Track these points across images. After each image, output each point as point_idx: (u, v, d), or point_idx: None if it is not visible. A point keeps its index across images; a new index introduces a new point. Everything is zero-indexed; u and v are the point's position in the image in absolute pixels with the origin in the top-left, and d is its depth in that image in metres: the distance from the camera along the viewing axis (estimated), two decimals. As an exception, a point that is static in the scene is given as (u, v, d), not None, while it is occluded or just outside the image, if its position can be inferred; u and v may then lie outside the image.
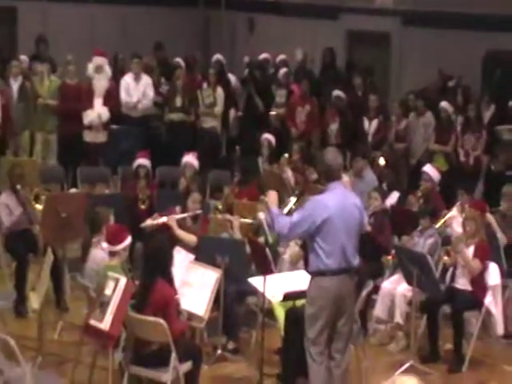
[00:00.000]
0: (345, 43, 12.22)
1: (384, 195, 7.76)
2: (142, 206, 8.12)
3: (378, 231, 7.17)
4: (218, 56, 11.60)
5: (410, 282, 6.41)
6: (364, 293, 6.46)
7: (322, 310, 5.23)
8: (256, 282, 6.20)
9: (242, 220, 7.14)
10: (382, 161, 9.16)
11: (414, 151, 9.87)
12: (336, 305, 5.24)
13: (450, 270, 6.74)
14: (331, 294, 5.22)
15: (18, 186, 7.48)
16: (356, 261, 5.34)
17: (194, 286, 6.04)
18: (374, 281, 6.79)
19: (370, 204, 7.27)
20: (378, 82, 11.01)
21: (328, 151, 5.46)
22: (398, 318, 6.68)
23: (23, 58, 10.99)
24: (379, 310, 6.78)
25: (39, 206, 7.35)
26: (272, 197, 5.50)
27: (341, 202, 5.26)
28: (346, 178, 7.26)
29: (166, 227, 6.96)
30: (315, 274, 5.25)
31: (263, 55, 11.74)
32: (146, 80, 10.46)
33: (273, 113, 10.77)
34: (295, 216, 5.27)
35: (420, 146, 9.81)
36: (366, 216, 5.74)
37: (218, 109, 10.66)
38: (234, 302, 6.53)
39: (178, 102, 10.47)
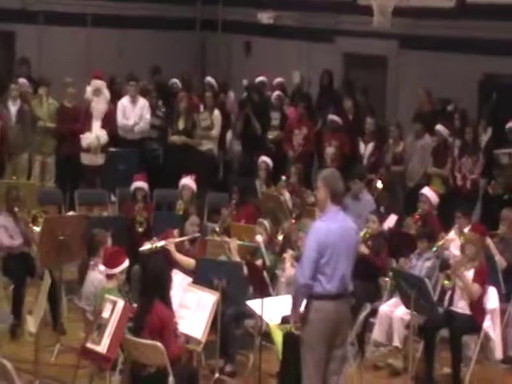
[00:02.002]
0: (341, 66, 12.29)
1: (381, 218, 7.78)
2: (140, 229, 8.13)
3: (375, 254, 7.18)
4: (208, 79, 11.66)
5: (407, 306, 6.40)
6: (361, 316, 6.45)
7: (319, 334, 5.22)
8: (254, 304, 6.20)
9: (240, 242, 7.15)
10: (379, 183, 9.19)
11: (411, 174, 9.89)
12: (333, 328, 5.24)
13: (449, 293, 6.73)
14: (329, 318, 5.22)
15: (16, 209, 7.49)
16: (350, 285, 5.36)
17: (192, 308, 6.04)
18: (371, 304, 6.78)
19: (367, 227, 7.29)
20: (375, 105, 11.06)
21: (334, 176, 5.44)
22: (396, 342, 6.66)
23: (22, 81, 11.03)
24: (377, 333, 6.77)
25: (37, 229, 7.35)
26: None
27: (342, 226, 5.28)
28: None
29: (164, 250, 6.96)
30: (313, 298, 5.25)
31: (260, 78, 11.82)
32: (142, 103, 10.51)
33: (270, 136, 10.82)
34: (303, 255, 5.27)
35: (418, 168, 9.85)
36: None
37: (215, 132, 10.71)
38: (231, 324, 6.53)
39: (181, 124, 10.52)
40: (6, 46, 12.93)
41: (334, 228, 5.23)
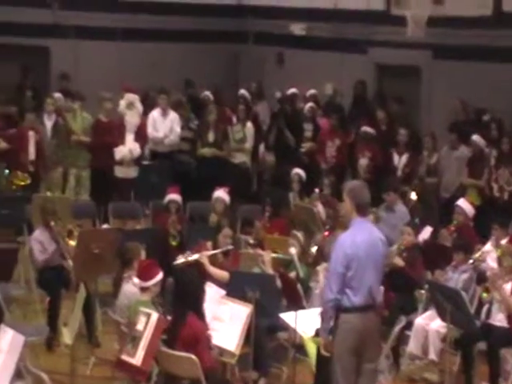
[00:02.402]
0: (374, 76, 12.23)
1: (416, 230, 7.70)
2: (173, 242, 8.14)
3: (410, 266, 7.10)
4: (242, 91, 11.69)
5: (443, 318, 6.32)
6: (396, 328, 6.37)
7: (348, 347, 5.19)
8: (287, 317, 6.18)
9: (273, 255, 7.12)
10: (413, 195, 9.11)
11: (447, 185, 9.78)
12: (361, 341, 5.20)
13: (486, 306, 6.64)
14: (357, 331, 5.19)
15: (52, 223, 7.56)
16: (380, 296, 5.31)
17: (225, 321, 6.03)
18: (406, 316, 6.70)
19: (402, 239, 7.23)
20: (408, 116, 10.98)
21: (360, 187, 5.43)
22: (432, 355, 6.58)
23: (57, 95, 11.17)
24: (412, 346, 6.69)
25: (72, 242, 7.41)
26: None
27: (368, 238, 5.25)
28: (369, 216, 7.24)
29: (197, 263, 6.96)
30: (341, 311, 5.22)
31: (292, 90, 11.82)
32: (173, 116, 10.56)
33: (302, 149, 10.79)
34: (330, 270, 5.24)
35: (453, 179, 9.73)
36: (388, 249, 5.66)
37: (248, 144, 10.72)
38: (264, 337, 6.50)
39: (211, 137, 10.55)
40: (41, 60, 13.12)
41: (360, 240, 5.20)
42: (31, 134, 9.93)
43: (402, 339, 6.74)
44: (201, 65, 13.42)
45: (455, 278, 6.85)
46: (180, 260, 7.10)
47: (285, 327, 6.39)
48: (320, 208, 8.87)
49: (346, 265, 5.15)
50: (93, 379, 6.51)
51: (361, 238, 5.21)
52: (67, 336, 6.03)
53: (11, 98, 11.51)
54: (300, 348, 6.04)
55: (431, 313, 6.70)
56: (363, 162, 10.15)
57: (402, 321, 6.45)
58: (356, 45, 11.99)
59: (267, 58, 13.62)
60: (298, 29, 12.83)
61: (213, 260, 7.07)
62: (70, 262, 7.34)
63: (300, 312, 5.93)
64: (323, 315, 5.28)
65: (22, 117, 10.35)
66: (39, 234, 7.56)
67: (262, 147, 11.15)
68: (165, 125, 10.49)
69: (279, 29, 13.15)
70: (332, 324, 5.23)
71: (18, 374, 5.02)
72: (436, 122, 11.14)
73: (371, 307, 5.21)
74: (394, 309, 6.44)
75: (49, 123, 10.38)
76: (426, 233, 8.07)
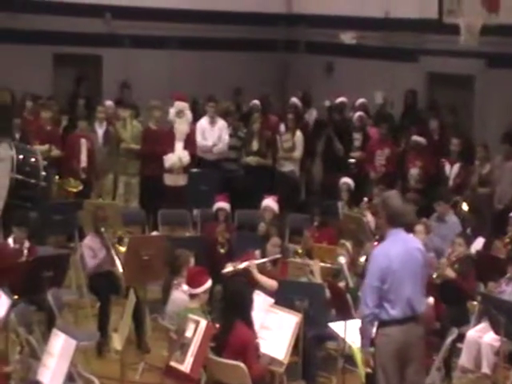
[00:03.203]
0: (425, 86, 12.11)
1: (468, 241, 7.57)
2: (222, 250, 8.16)
3: (462, 277, 6.98)
4: (293, 100, 11.68)
5: (497, 332, 6.20)
6: (448, 340, 6.26)
7: (389, 359, 5.14)
8: (336, 326, 6.12)
9: (322, 264, 7.08)
10: (464, 206, 8.97)
11: (500, 196, 9.59)
12: (404, 353, 5.14)
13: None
14: (397, 343, 5.13)
15: (102, 229, 7.65)
16: (422, 306, 5.21)
17: (274, 329, 6.00)
18: (458, 328, 6.58)
19: (454, 250, 7.11)
20: (461, 125, 10.83)
21: (393, 197, 5.37)
22: (485, 369, 6.45)
23: (108, 103, 11.33)
24: (464, 359, 6.56)
25: (122, 249, 7.49)
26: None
27: (403, 249, 5.17)
28: (419, 227, 7.16)
29: (246, 271, 6.96)
30: (381, 324, 5.17)
31: (341, 98, 11.76)
32: (221, 124, 10.59)
33: (352, 160, 10.72)
34: (365, 284, 5.20)
35: (507, 191, 9.54)
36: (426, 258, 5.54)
37: (297, 153, 10.69)
38: (313, 346, 6.46)
39: (255, 145, 10.56)
40: (94, 69, 13.33)
41: (394, 252, 5.14)
42: (83, 141, 10.08)
43: (454, 352, 6.62)
44: (250, 73, 13.46)
45: (509, 290, 6.70)
46: (228, 268, 7.11)
47: (333, 337, 6.34)
48: (369, 217, 8.79)
49: (380, 278, 5.10)
50: (142, 385, 6.57)
51: (394, 249, 5.15)
52: (117, 341, 6.08)
53: (65, 106, 11.71)
54: (349, 358, 5.97)
55: (484, 325, 6.57)
56: (414, 171, 10.04)
57: (454, 333, 6.34)
58: (407, 53, 11.88)
59: (317, 66, 13.59)
60: (348, 38, 12.77)
61: (261, 269, 7.06)
62: (120, 269, 7.41)
63: (349, 322, 5.87)
64: (362, 332, 5.23)
65: (74, 125, 10.51)
66: (90, 240, 7.65)
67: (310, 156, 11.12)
68: (213, 133, 10.54)
69: (329, 38, 13.11)
70: (370, 339, 5.19)
71: (70, 377, 5.07)
72: (489, 132, 10.96)
73: (411, 319, 5.13)
74: (445, 321, 6.33)
75: (100, 131, 10.52)
76: (479, 244, 7.93)
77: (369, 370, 5.23)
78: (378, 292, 5.11)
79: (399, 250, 5.15)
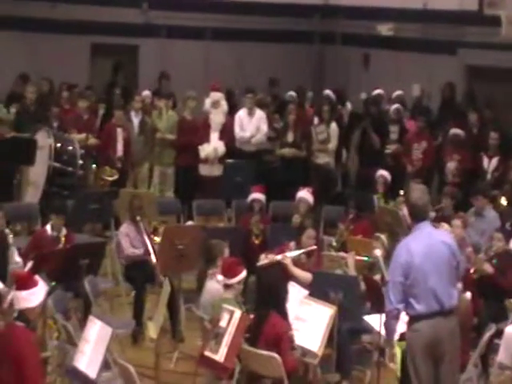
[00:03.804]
0: (464, 78, 11.96)
1: (507, 236, 7.46)
2: (256, 241, 8.16)
3: (500, 273, 6.89)
4: (327, 92, 11.61)
5: (536, 328, 6.10)
6: (485, 336, 6.18)
7: (419, 354, 5.10)
8: (371, 320, 6.08)
9: (357, 257, 7.04)
10: (503, 200, 8.85)
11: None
12: (433, 348, 5.08)
13: None
14: (426, 338, 5.07)
15: (138, 218, 7.70)
16: (451, 300, 5.13)
17: (308, 321, 5.98)
18: (496, 324, 6.50)
19: (492, 245, 7.02)
20: (500, 119, 10.67)
21: (413, 189, 5.31)
22: (523, 366, 6.35)
23: (145, 93, 11.38)
24: (502, 356, 6.45)
25: (157, 238, 7.52)
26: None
27: (426, 243, 5.11)
28: (445, 225, 7.08)
29: (280, 263, 6.95)
30: (409, 319, 5.15)
31: (377, 91, 11.67)
32: (259, 115, 10.59)
33: (388, 151, 10.65)
34: (388, 280, 5.17)
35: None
36: (458, 252, 5.43)
37: (332, 145, 10.64)
38: (347, 339, 6.43)
39: (290, 137, 10.54)
40: (130, 59, 13.41)
41: (416, 247, 5.08)
42: (119, 130, 10.14)
43: (492, 348, 6.54)
44: (286, 65, 13.42)
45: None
46: (263, 260, 7.10)
47: (368, 330, 6.30)
48: (405, 211, 8.69)
49: (402, 273, 5.06)
50: (176, 374, 6.58)
51: (416, 244, 5.10)
52: (152, 330, 6.11)
53: (101, 96, 11.80)
54: (384, 352, 5.93)
55: (523, 322, 6.48)
56: (451, 165, 9.93)
57: (492, 329, 6.26)
58: (445, 46, 11.73)
59: (353, 58, 13.50)
60: (385, 29, 12.66)
61: (296, 261, 7.04)
62: (155, 258, 7.44)
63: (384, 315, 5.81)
64: (386, 327, 5.21)
65: (110, 114, 10.59)
66: (126, 228, 7.70)
67: (345, 148, 11.06)
68: (251, 124, 10.54)
69: (366, 29, 13.01)
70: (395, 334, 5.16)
71: (106, 364, 5.12)
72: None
73: (440, 313, 5.08)
74: (483, 316, 6.25)
75: (136, 120, 10.57)
76: (518, 239, 7.81)
77: (392, 366, 5.18)
78: (401, 287, 5.08)
79: (421, 244, 5.09)
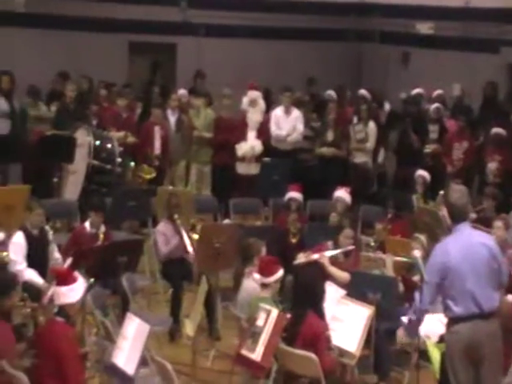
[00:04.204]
0: (506, 77, 11.77)
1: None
2: (293, 240, 8.12)
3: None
4: (362, 91, 11.52)
5: None
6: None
7: (457, 357, 5.04)
8: (410, 321, 6.00)
9: (396, 258, 6.97)
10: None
11: None
12: (472, 351, 5.01)
13: None
14: (464, 341, 5.02)
15: (175, 216, 7.71)
16: (491, 303, 5.05)
17: (345, 321, 5.95)
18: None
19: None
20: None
21: (453, 190, 5.25)
22: None
23: (182, 91, 11.41)
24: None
25: (195, 236, 7.53)
26: None
27: (464, 245, 5.05)
28: (498, 222, 6.96)
29: (318, 262, 6.91)
30: (448, 321, 5.10)
31: (417, 90, 11.56)
32: (296, 114, 10.55)
33: (427, 150, 10.54)
34: (424, 280, 5.11)
35: None
36: (499, 254, 5.31)
37: (370, 144, 10.57)
38: (385, 340, 6.37)
39: (330, 136, 10.49)
40: (168, 57, 13.47)
41: (453, 248, 5.02)
42: (157, 128, 10.18)
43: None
44: (323, 63, 13.37)
45: None
46: (300, 259, 7.07)
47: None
48: (445, 212, 8.58)
49: (438, 274, 5.01)
50: (213, 372, 6.58)
51: (454, 245, 5.04)
52: (189, 327, 6.12)
53: (140, 94, 11.87)
54: (423, 354, 5.86)
55: None
56: (492, 165, 9.79)
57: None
58: (487, 44, 11.57)
59: (392, 57, 13.39)
60: (425, 28, 12.53)
61: (333, 260, 7.00)
62: (192, 255, 7.45)
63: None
64: (410, 325, 5.18)
65: (148, 112, 10.64)
66: (163, 226, 7.72)
67: (383, 147, 10.97)
68: (288, 123, 10.51)
69: (405, 28, 12.89)
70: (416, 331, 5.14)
71: (143, 361, 5.13)
72: None
73: (479, 316, 5.01)
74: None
75: (172, 119, 10.60)
76: None
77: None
78: (436, 288, 5.05)
79: (460, 246, 5.04)
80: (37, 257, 6.88)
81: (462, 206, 5.13)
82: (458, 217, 5.12)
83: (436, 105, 10.91)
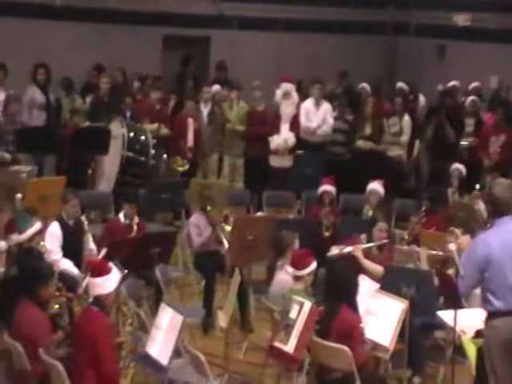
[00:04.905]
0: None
1: None
2: (326, 233, 8.09)
3: None
4: (400, 84, 11.42)
5: None
6: None
7: (496, 352, 4.99)
8: (445, 315, 5.94)
9: (430, 252, 6.89)
10: None
11: None
12: (510, 347, 4.95)
13: None
14: (504, 336, 4.96)
15: (208, 208, 7.72)
16: None
17: (379, 315, 5.88)
18: None
19: None
20: None
21: (497, 184, 5.17)
22: None
23: (215, 87, 11.39)
24: None
25: (228, 227, 7.53)
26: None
27: (505, 238, 4.98)
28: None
29: (351, 255, 6.86)
30: (488, 316, 5.05)
31: (453, 82, 11.42)
32: (326, 106, 10.48)
33: (463, 143, 10.41)
34: (462, 269, 5.07)
35: None
36: None
37: (405, 138, 10.47)
38: (420, 334, 6.30)
39: (368, 130, 10.40)
40: (202, 50, 13.48)
41: (493, 241, 4.97)
42: (190, 121, 10.20)
43: None
44: (358, 56, 13.27)
45: None
46: (334, 252, 7.03)
47: (441, 326, 6.16)
48: (481, 206, 8.49)
49: (478, 268, 4.97)
50: (245, 364, 6.59)
51: (495, 238, 4.98)
52: (222, 319, 6.12)
53: (173, 87, 11.89)
54: (459, 349, 5.79)
55: None
56: (529, 159, 9.64)
57: None
58: (525, 36, 11.41)
59: (427, 50, 13.25)
60: (461, 20, 12.38)
61: (367, 254, 6.94)
62: (226, 247, 7.46)
63: (459, 311, 5.68)
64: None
65: (181, 105, 10.65)
66: (196, 218, 7.74)
67: (418, 141, 10.86)
68: (318, 115, 10.44)
69: (441, 20, 12.74)
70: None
71: (177, 352, 5.15)
72: None
73: None
74: None
75: (205, 111, 10.60)
76: None
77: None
78: (473, 280, 5.04)
79: (500, 239, 4.98)
80: (72, 247, 6.93)
81: (506, 199, 5.06)
82: (500, 211, 5.05)
83: (472, 97, 10.77)
